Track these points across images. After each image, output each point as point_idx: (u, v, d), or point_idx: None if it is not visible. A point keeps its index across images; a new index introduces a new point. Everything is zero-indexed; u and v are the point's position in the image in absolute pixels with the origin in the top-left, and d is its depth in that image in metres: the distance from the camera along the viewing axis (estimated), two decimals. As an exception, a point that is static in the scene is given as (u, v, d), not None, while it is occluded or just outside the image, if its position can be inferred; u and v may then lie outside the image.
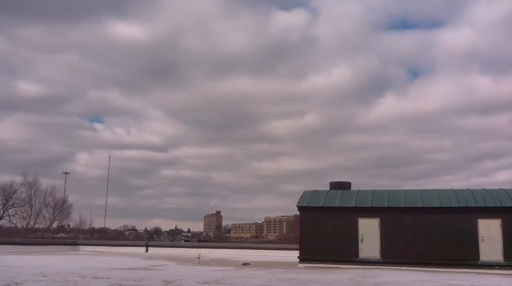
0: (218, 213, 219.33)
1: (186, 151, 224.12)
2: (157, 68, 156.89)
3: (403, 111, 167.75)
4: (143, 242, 43.75)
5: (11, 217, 49.27)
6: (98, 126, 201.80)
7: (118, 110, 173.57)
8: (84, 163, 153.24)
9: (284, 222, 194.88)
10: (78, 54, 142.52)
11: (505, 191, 22.23)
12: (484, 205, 21.45)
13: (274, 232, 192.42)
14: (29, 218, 50.56)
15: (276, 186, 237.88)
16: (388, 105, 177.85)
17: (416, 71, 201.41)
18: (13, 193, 49.03)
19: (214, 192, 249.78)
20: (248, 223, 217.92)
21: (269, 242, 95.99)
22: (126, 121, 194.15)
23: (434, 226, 21.77)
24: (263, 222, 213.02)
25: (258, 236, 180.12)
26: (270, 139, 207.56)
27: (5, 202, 48.76)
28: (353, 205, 23.04)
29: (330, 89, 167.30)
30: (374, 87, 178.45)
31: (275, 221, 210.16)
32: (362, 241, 22.32)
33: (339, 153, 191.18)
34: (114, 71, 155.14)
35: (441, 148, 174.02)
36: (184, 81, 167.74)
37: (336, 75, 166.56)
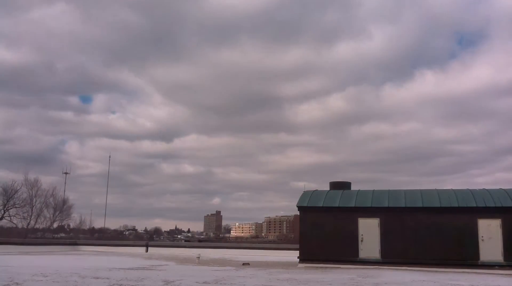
0: (218, 213, 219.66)
1: (187, 141, 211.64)
2: (155, 33, 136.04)
3: (435, 91, 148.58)
4: (143, 242, 43.77)
5: (12, 217, 49.37)
6: (87, 107, 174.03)
7: (108, 86, 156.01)
8: (77, 156, 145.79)
9: (284, 222, 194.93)
10: (58, 11, 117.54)
11: (505, 191, 22.25)
12: (484, 205, 21.47)
13: (274, 232, 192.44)
14: (30, 218, 50.62)
15: (285, 182, 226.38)
16: (419, 83, 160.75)
17: (460, 40, 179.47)
18: (14, 193, 49.04)
19: (217, 189, 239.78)
20: (248, 223, 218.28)
21: (269, 242, 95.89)
22: (119, 101, 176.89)
23: (434, 226, 21.77)
24: (263, 222, 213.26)
25: (258, 236, 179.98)
26: (286, 127, 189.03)
27: (6, 202, 48.76)
28: (353, 205, 23.06)
29: (358, 60, 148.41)
30: (410, 59, 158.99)
31: (275, 221, 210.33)
32: (362, 241, 22.33)
33: (357, 145, 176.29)
34: (105, 36, 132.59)
35: (467, 137, 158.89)
36: (185, 50, 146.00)
37: (368, 42, 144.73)
